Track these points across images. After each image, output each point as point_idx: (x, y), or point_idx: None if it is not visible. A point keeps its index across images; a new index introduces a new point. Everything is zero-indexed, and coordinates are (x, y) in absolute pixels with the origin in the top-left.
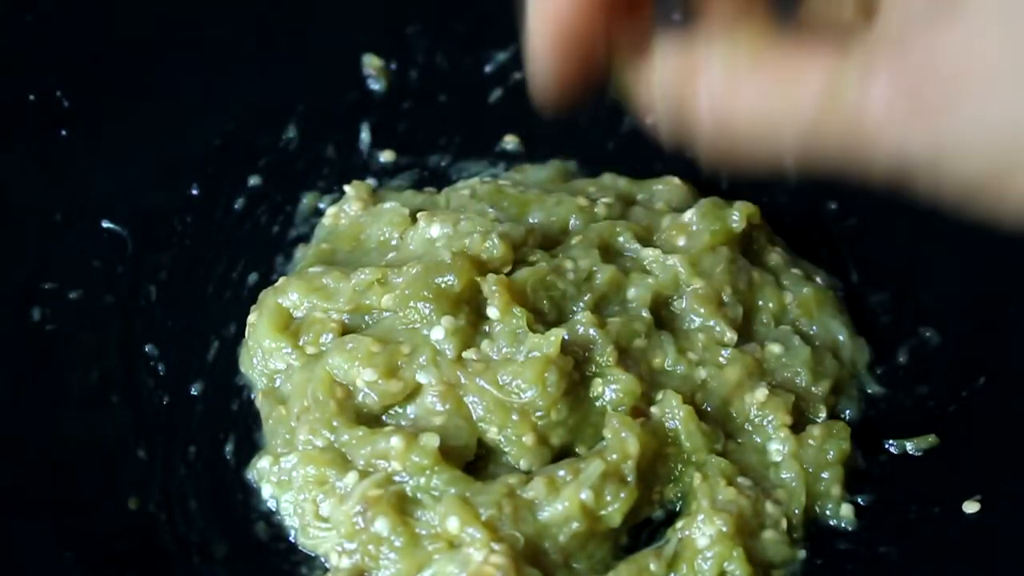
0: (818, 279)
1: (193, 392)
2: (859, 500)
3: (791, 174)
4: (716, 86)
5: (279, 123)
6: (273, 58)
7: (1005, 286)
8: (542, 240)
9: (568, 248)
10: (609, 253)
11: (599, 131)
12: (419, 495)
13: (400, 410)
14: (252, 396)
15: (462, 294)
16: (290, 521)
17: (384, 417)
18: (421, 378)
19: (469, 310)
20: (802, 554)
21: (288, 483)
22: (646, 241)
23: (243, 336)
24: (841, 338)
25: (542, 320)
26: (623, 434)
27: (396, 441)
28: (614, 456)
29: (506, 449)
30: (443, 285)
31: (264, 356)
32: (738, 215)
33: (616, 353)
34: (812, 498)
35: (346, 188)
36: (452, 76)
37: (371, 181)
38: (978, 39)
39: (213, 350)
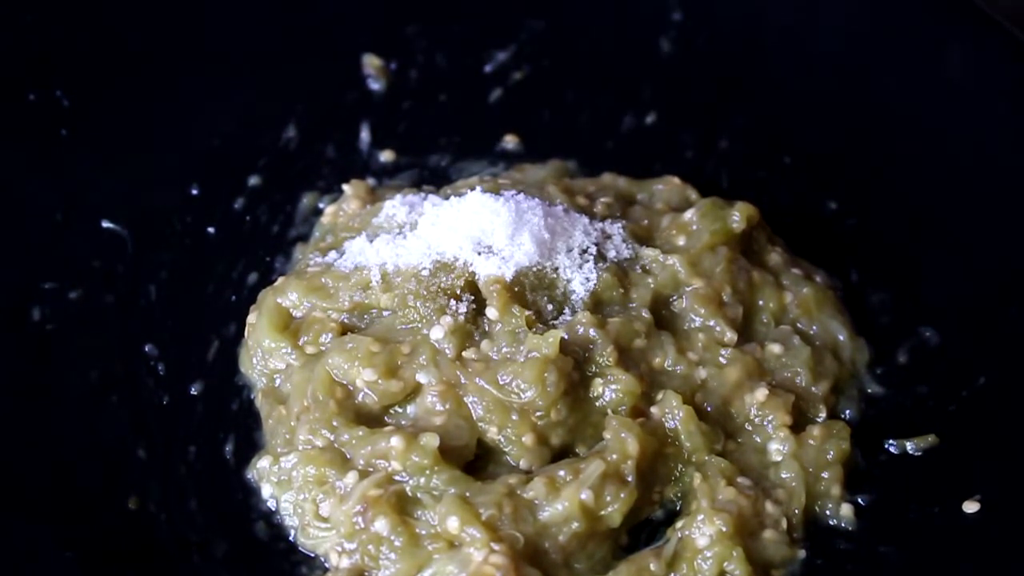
0: (818, 279)
1: (193, 392)
2: (859, 500)
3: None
4: None
5: (279, 123)
6: (273, 58)
7: (1005, 286)
8: None
9: None
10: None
11: (599, 131)
12: (419, 495)
13: (400, 410)
14: (252, 396)
15: (463, 293)
16: (290, 521)
17: (384, 417)
18: (421, 378)
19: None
20: (802, 554)
21: (288, 483)
22: (646, 241)
23: (243, 336)
24: (841, 338)
25: (542, 320)
26: (623, 434)
27: (396, 441)
28: (614, 456)
29: (506, 449)
30: (443, 284)
31: (264, 356)
32: (738, 215)
33: (616, 353)
34: (812, 498)
35: (344, 187)
36: (452, 76)
37: (371, 181)
38: None
39: (213, 350)
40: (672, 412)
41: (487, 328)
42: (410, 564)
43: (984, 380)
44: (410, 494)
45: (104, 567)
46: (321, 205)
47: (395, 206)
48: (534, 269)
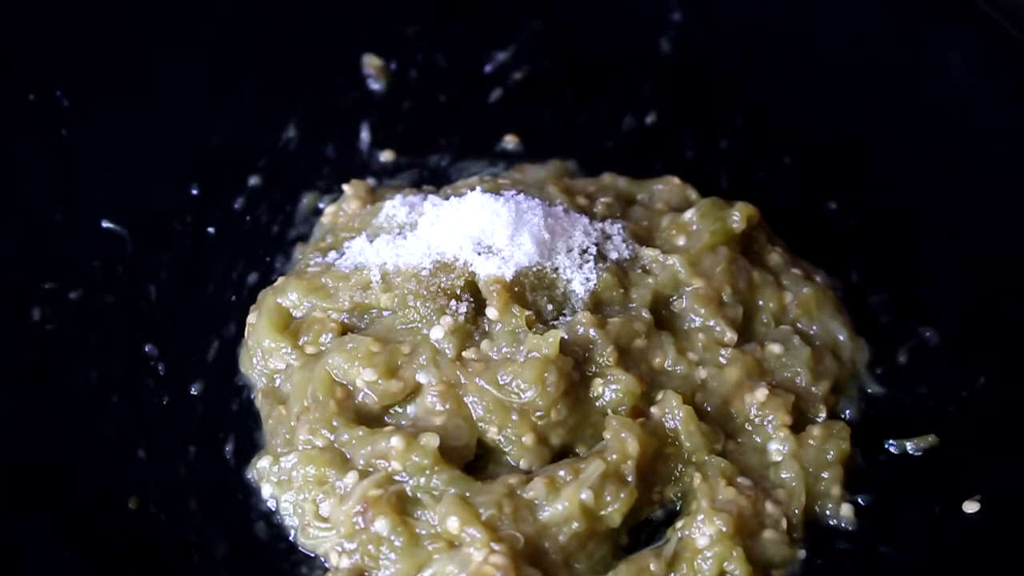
0: (818, 279)
1: (193, 392)
2: (859, 500)
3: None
4: None
5: (279, 123)
6: (273, 58)
7: (1005, 286)
8: None
9: None
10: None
11: (599, 131)
12: (419, 495)
13: (400, 410)
14: (252, 396)
15: (463, 293)
16: (290, 521)
17: (384, 417)
18: (421, 378)
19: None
20: (802, 554)
21: (288, 483)
22: (646, 241)
23: (243, 336)
24: (841, 338)
25: (542, 320)
26: (623, 434)
27: (396, 441)
28: (614, 456)
29: (506, 449)
30: (443, 284)
31: (264, 356)
32: (738, 215)
33: (616, 353)
34: (812, 498)
35: (344, 187)
36: (452, 76)
37: (371, 181)
38: None
39: (213, 350)
40: (672, 412)
41: (487, 328)
42: (410, 564)
43: (984, 380)
44: (410, 494)
45: (104, 567)
46: (321, 205)
47: (395, 206)
48: (534, 269)
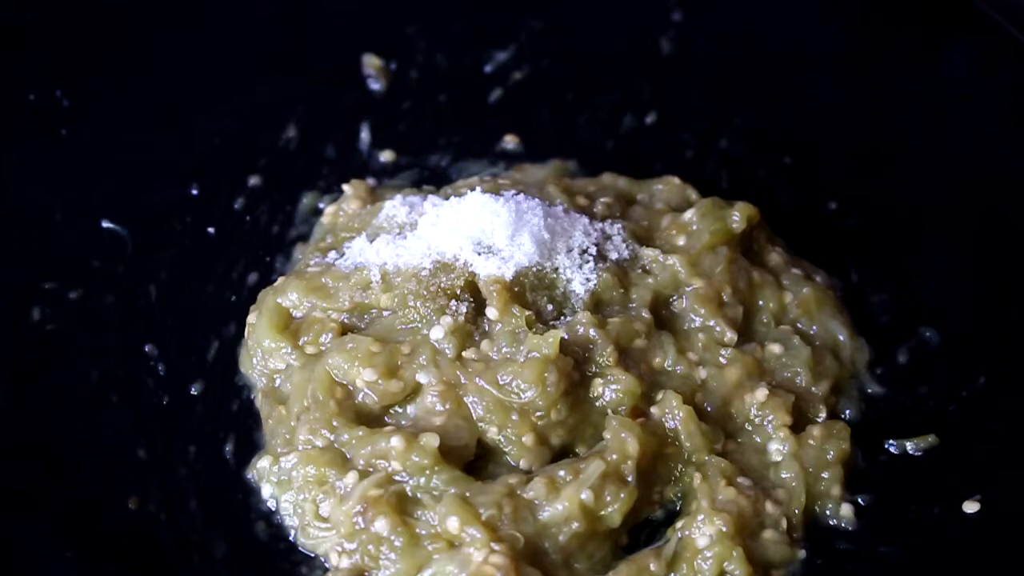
0: (818, 279)
1: (193, 392)
2: (859, 500)
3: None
4: None
5: (279, 123)
6: (273, 58)
7: (1005, 286)
8: None
9: None
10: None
11: (599, 131)
12: (419, 495)
13: (400, 410)
14: (252, 396)
15: (463, 293)
16: (290, 521)
17: (384, 417)
18: (421, 378)
19: (468, 307)
20: (802, 554)
21: (288, 483)
22: (646, 241)
23: (243, 336)
24: (841, 338)
25: (542, 320)
26: (623, 434)
27: (396, 441)
28: (614, 456)
29: (506, 449)
30: (443, 284)
31: (264, 356)
32: (738, 215)
33: (616, 353)
34: (812, 498)
35: (344, 187)
36: (452, 76)
37: (371, 181)
38: None
39: (213, 350)
40: (672, 412)
41: (487, 328)
42: (410, 564)
43: (984, 380)
44: (410, 494)
45: (104, 567)
46: (321, 205)
47: (395, 206)
48: (534, 269)
